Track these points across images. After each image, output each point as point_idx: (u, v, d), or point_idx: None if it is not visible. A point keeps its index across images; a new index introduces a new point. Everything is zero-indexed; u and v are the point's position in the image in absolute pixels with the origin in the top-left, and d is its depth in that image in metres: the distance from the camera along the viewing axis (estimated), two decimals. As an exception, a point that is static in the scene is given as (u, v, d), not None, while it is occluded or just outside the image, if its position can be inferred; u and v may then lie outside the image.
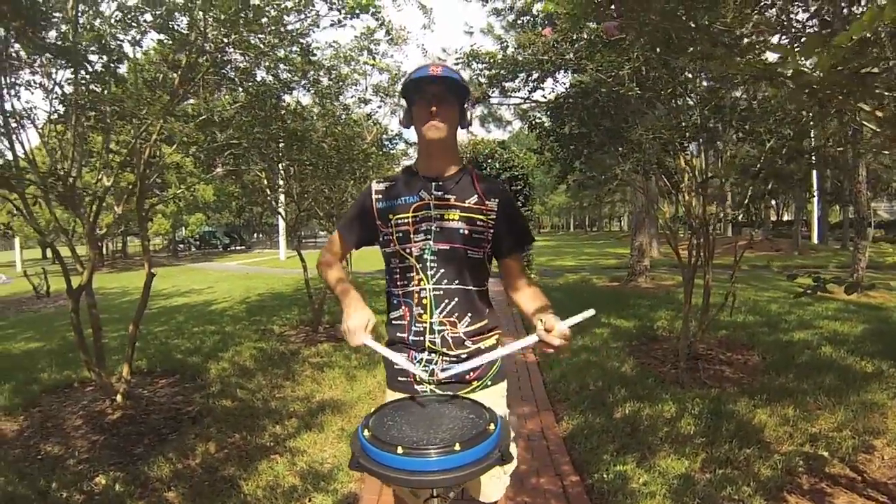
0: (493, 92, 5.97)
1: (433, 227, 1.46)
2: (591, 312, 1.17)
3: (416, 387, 1.48)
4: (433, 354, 1.47)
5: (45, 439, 3.38)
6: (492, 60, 5.00)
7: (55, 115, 3.86)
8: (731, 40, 1.64)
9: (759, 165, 3.54)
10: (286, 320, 7.45)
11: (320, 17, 3.37)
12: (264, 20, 3.21)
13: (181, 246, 36.05)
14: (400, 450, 0.99)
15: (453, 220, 1.46)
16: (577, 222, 69.38)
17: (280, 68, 4.64)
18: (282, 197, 7.38)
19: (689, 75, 3.64)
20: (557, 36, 4.10)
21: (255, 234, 46.57)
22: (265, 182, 6.71)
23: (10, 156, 3.46)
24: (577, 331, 6.02)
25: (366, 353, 5.41)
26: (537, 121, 5.71)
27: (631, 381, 4.21)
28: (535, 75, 4.96)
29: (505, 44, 4.89)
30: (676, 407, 3.61)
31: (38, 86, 3.85)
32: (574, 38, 4.03)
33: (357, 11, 3.32)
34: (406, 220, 1.49)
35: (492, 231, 1.49)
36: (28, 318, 9.88)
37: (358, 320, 1.34)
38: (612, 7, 2.21)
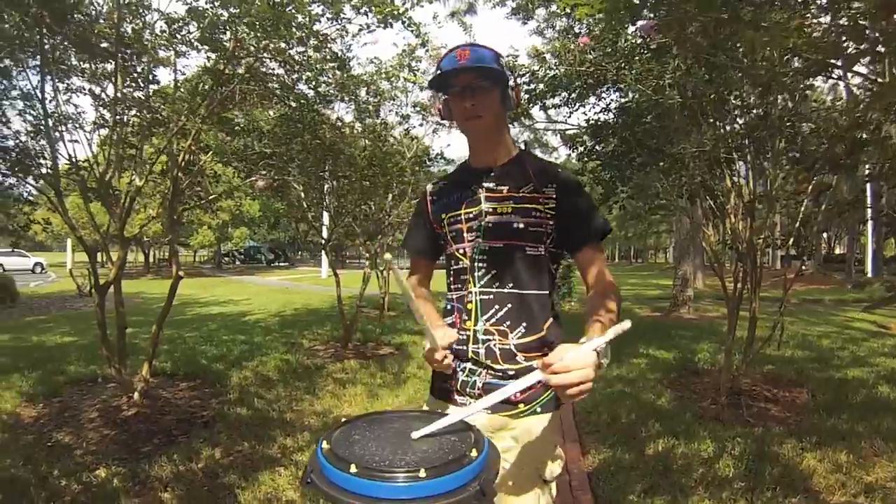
0: (532, 108, 5.83)
1: (484, 223, 1.31)
2: (626, 324, 0.94)
3: (456, 397, 1.34)
4: (477, 366, 1.31)
5: (59, 428, 3.47)
6: (530, 73, 4.89)
7: (100, 120, 4.00)
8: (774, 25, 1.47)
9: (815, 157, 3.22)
10: (317, 335, 7.42)
11: (350, 23, 3.36)
12: (294, 28, 3.22)
13: (226, 259, 37.16)
14: (354, 468, 0.83)
15: (506, 213, 1.30)
16: (623, 253, 67.99)
17: (319, 81, 4.69)
18: (325, 217, 7.40)
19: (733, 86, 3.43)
20: (594, 44, 3.97)
21: (300, 252, 47.58)
22: (302, 195, 6.76)
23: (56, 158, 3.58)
24: (613, 361, 5.69)
25: (392, 371, 5.30)
26: (578, 139, 5.55)
27: (667, 415, 3.93)
28: (576, 93, 4.82)
29: (542, 55, 4.75)
30: (715, 446, 3.31)
31: (87, 92, 4.01)
32: (613, 44, 3.87)
33: (389, 20, 3.29)
34: (459, 218, 1.36)
35: (551, 223, 1.30)
36: (68, 314, 10.36)
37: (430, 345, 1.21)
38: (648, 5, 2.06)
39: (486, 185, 1.34)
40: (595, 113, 5.43)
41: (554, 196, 1.30)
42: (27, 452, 3.06)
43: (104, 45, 3.48)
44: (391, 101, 6.65)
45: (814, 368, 5.36)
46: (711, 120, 3.86)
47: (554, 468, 1.31)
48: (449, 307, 1.40)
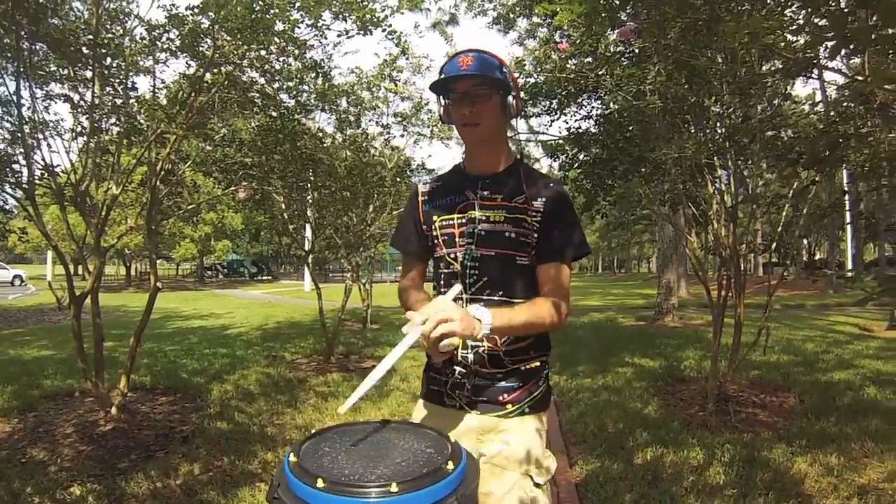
0: (515, 121, 5.85)
1: (477, 230, 1.34)
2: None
3: (444, 399, 1.37)
4: (466, 370, 1.33)
5: (33, 444, 3.37)
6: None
7: (79, 128, 3.92)
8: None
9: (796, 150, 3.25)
10: (299, 348, 7.31)
11: (329, 29, 3.33)
12: (273, 35, 3.19)
13: (208, 272, 36.68)
14: (320, 483, 0.79)
15: (498, 221, 1.32)
16: (606, 263, 68.40)
17: (300, 90, 4.66)
18: (307, 229, 7.33)
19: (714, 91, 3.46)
20: (574, 50, 3.99)
21: (283, 266, 47.13)
22: (283, 207, 6.69)
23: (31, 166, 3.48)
24: (598, 370, 5.70)
25: (375, 386, 5.22)
26: (559, 149, 5.56)
27: (654, 423, 3.90)
28: (556, 101, 4.84)
29: (521, 61, 4.74)
30: (704, 453, 3.29)
31: (65, 98, 3.92)
32: (593, 51, 3.89)
33: (369, 27, 3.27)
34: (451, 223, 1.37)
35: (535, 235, 1.32)
36: (46, 327, 10.20)
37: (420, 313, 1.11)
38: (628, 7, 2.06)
39: (480, 192, 1.36)
40: (576, 120, 5.45)
41: (541, 209, 1.32)
42: (-1, 469, 2.96)
43: (83, 49, 3.41)
44: (372, 110, 6.64)
45: (800, 372, 5.39)
46: (692, 130, 3.89)
47: (546, 470, 1.31)
48: None
